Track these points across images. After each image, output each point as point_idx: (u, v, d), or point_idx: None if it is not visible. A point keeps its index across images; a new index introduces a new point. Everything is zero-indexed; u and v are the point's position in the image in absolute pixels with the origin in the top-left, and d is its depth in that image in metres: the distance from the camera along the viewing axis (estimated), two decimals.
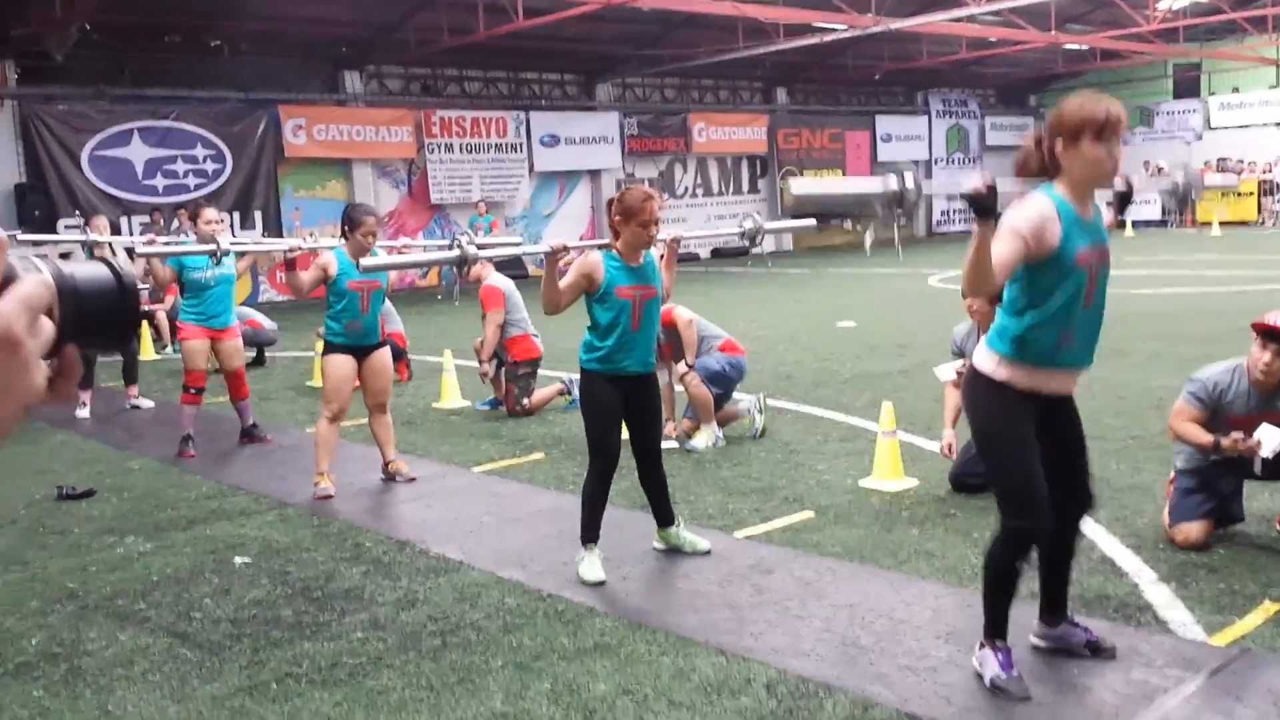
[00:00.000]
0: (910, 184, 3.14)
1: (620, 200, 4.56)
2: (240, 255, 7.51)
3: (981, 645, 3.46)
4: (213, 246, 6.54)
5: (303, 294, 6.19)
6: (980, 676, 3.43)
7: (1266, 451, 4.34)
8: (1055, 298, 3.23)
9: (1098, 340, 3.40)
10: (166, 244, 7.95)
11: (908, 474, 5.87)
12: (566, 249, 4.55)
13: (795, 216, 3.17)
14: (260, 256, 9.34)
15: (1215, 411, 4.58)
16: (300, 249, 6.08)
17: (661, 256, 4.82)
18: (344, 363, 6.13)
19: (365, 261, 4.81)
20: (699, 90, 26.57)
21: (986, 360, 3.39)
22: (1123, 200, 3.53)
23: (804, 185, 3.49)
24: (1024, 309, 3.28)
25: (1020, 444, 3.32)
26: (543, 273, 4.56)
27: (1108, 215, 3.48)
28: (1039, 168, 3.28)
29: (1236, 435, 4.42)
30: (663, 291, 4.78)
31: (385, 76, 21.55)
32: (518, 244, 5.44)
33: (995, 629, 3.43)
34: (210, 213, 7.40)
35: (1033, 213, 3.16)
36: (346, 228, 6.13)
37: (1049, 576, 3.59)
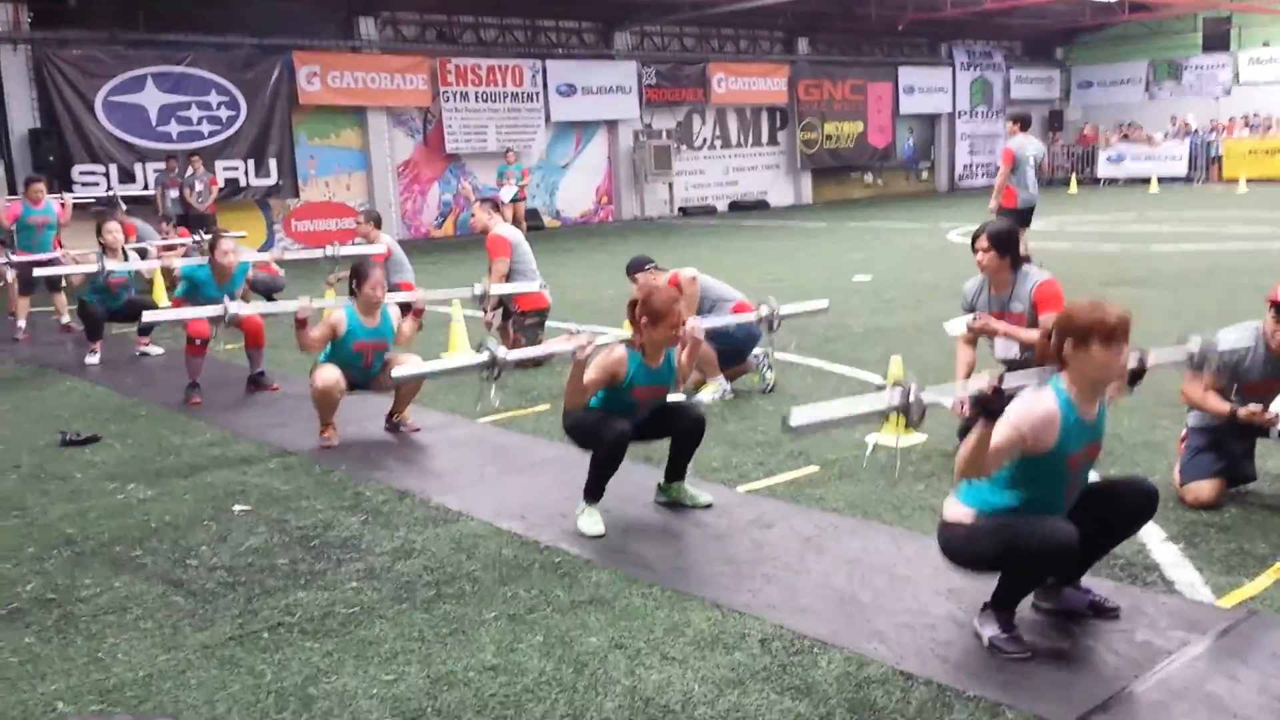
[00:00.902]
0: (914, 397, 3.11)
1: (646, 303, 4.51)
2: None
3: (985, 609, 3.40)
4: (220, 311, 6.46)
5: (311, 351, 6.20)
6: (979, 636, 3.37)
7: None
8: (1037, 487, 3.29)
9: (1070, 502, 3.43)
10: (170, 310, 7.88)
11: (916, 429, 5.77)
12: (593, 343, 4.43)
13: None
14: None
15: (1231, 377, 4.48)
16: (310, 307, 6.01)
17: (682, 347, 4.71)
18: (337, 375, 6.04)
19: (396, 373, 4.79)
20: (719, 39, 26.17)
21: (959, 513, 3.40)
22: (1135, 376, 3.50)
23: (804, 415, 3.44)
24: (1006, 488, 3.32)
25: (1003, 523, 3.30)
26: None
27: (1113, 389, 3.44)
28: (1051, 361, 3.31)
29: (1255, 407, 4.34)
30: (676, 380, 4.77)
31: (400, 23, 21.30)
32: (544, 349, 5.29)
33: (1005, 605, 3.37)
34: (227, 244, 7.46)
35: (1037, 415, 3.19)
36: (354, 283, 6.13)
37: (1083, 559, 3.49)
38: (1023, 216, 11.44)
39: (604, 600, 3.82)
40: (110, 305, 9.17)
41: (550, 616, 3.71)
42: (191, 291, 7.66)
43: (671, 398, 4.86)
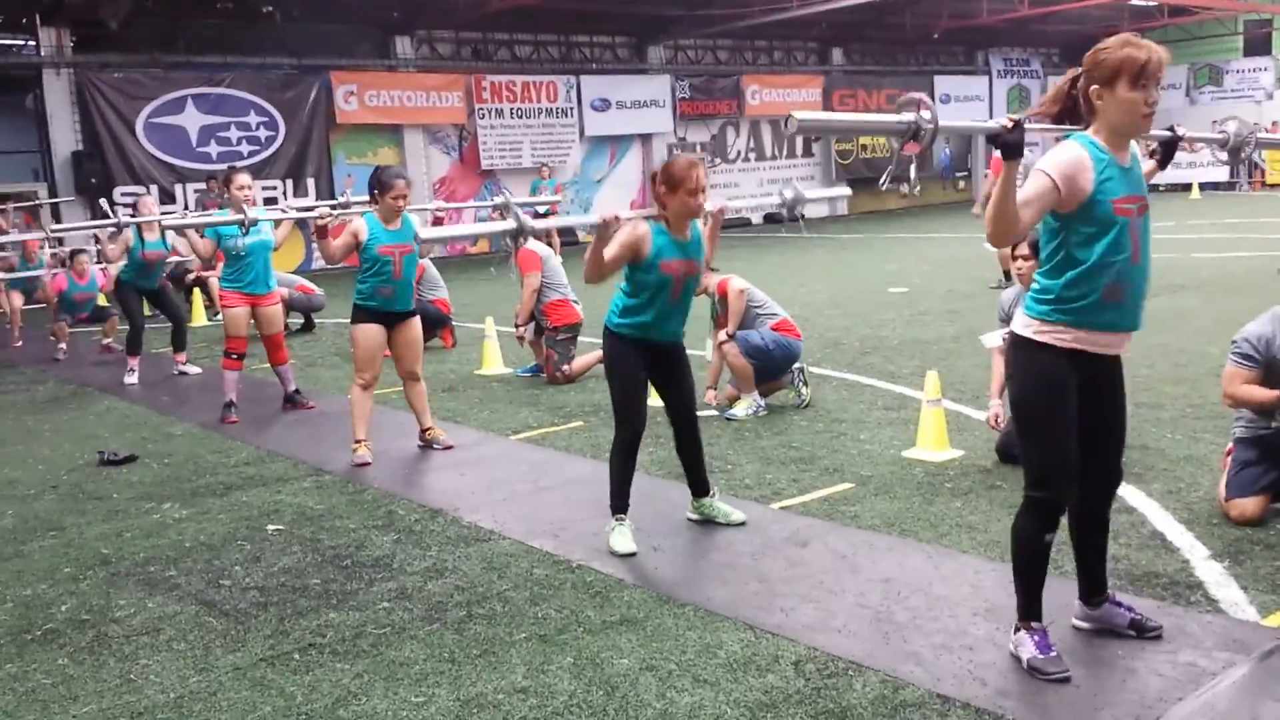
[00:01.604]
0: (928, 117, 2.97)
1: (665, 170, 4.41)
2: (276, 224, 7.48)
3: (1017, 628, 3.32)
4: (240, 216, 6.52)
5: (335, 260, 6.14)
6: (1018, 659, 3.29)
7: None
8: (1094, 251, 3.03)
9: (1144, 301, 3.18)
10: (194, 217, 7.96)
11: (953, 444, 5.71)
12: (619, 219, 4.40)
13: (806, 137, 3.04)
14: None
15: (1269, 367, 4.38)
16: (331, 216, 6.02)
17: (705, 224, 4.66)
18: (374, 331, 6.08)
19: (424, 233, 4.74)
20: (752, 51, 26.17)
21: (1026, 324, 3.21)
22: (1168, 150, 3.30)
23: (808, 116, 3.33)
24: (1062, 267, 3.08)
25: (1057, 415, 3.15)
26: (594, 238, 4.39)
27: (1148, 165, 3.28)
28: (1070, 115, 3.12)
29: None
30: (704, 262, 4.66)
31: (436, 41, 21.47)
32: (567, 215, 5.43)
33: (1029, 610, 3.29)
34: (242, 178, 7.36)
35: (1063, 157, 2.99)
36: (375, 192, 6.07)
37: (1083, 553, 3.43)
38: None
39: (635, 620, 3.78)
40: (144, 286, 9.27)
41: (581, 637, 3.67)
42: (229, 258, 7.49)
43: (708, 414, 4.79)
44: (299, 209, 8.66)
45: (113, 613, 4.11)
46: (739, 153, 25.93)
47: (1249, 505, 4.36)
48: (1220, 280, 11.34)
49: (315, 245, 19.07)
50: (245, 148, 18.84)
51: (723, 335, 6.67)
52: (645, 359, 4.51)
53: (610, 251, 4.35)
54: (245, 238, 7.21)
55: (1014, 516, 3.31)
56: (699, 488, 4.76)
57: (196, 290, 13.34)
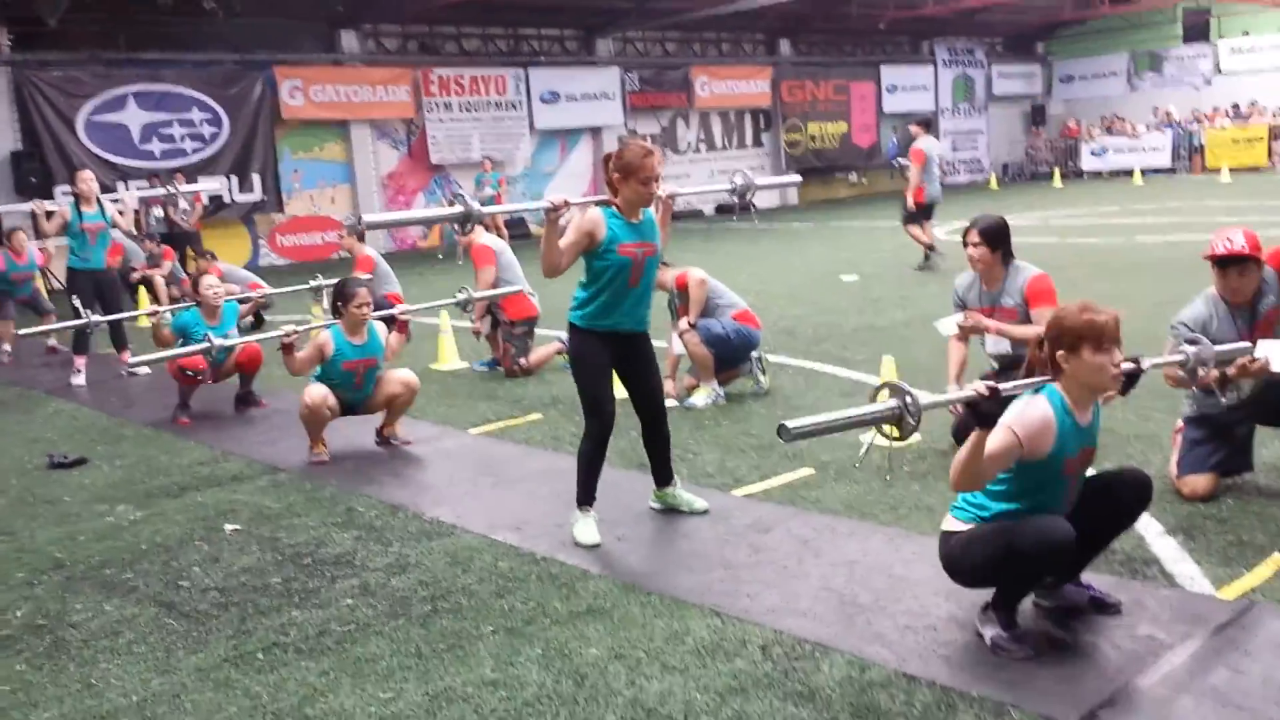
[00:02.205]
0: (910, 405, 3.00)
1: (619, 156, 4.40)
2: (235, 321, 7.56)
3: (985, 609, 3.37)
4: (205, 346, 6.51)
5: (299, 375, 6.20)
6: (981, 636, 3.34)
7: (1278, 365, 4.24)
8: (1034, 495, 3.27)
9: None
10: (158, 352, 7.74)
11: (909, 437, 5.75)
12: (567, 204, 4.38)
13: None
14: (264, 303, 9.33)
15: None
16: (295, 333, 6.05)
17: (657, 210, 4.66)
18: (325, 392, 6.03)
19: (369, 218, 4.68)
20: (701, 43, 26.20)
21: (955, 525, 3.41)
22: (1130, 380, 3.41)
23: (801, 423, 3.38)
24: (1003, 498, 3.30)
25: (1000, 527, 3.28)
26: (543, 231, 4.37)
27: (1107, 395, 3.40)
28: (1044, 371, 3.28)
29: (1240, 361, 4.30)
30: (658, 240, 4.64)
31: (382, 35, 21.26)
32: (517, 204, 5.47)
33: (1006, 604, 3.34)
34: (211, 280, 7.38)
35: (1033, 421, 3.16)
36: (339, 304, 6.11)
37: (1081, 555, 3.47)
38: (927, 211, 12.72)
39: (602, 610, 3.79)
40: (92, 266, 9.07)
41: (549, 628, 3.67)
42: (185, 341, 7.34)
43: (669, 405, 4.77)
44: (259, 302, 8.76)
45: (70, 617, 4.04)
46: (689, 144, 25.95)
47: (1200, 482, 4.45)
48: (1164, 262, 11.54)
49: (270, 242, 18.87)
50: (189, 144, 18.54)
51: (684, 324, 6.69)
52: (610, 351, 4.49)
53: (566, 239, 4.34)
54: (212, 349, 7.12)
55: (1024, 544, 3.26)
56: (663, 478, 4.77)
57: (142, 288, 13.10)
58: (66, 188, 17.02)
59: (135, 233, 10.65)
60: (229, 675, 3.48)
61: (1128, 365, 3.35)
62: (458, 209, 4.38)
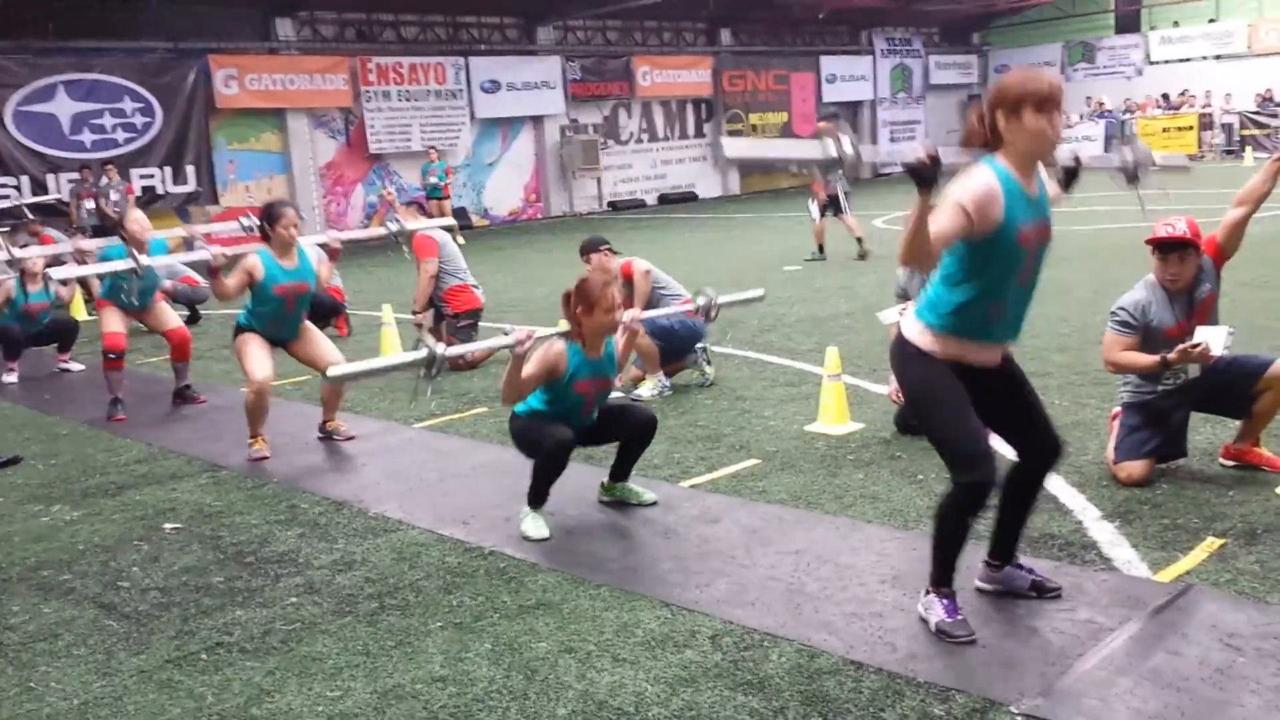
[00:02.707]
0: (849, 149, 3.01)
1: (579, 290, 4.43)
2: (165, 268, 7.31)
3: (927, 592, 3.42)
4: (131, 264, 6.32)
5: (229, 299, 6.02)
6: (925, 622, 3.39)
7: (1217, 350, 4.35)
8: (992, 274, 3.18)
9: (1025, 316, 3.35)
10: (90, 259, 7.57)
11: (853, 418, 5.83)
12: (531, 337, 4.33)
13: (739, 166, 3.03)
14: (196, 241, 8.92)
15: (1147, 333, 4.56)
16: (224, 256, 5.87)
17: (622, 334, 4.64)
18: (259, 339, 5.95)
19: (332, 373, 4.61)
20: (642, 32, 26.17)
21: (913, 329, 3.33)
22: (1070, 175, 3.42)
23: (739, 148, 3.31)
24: (959, 282, 3.21)
25: (952, 402, 3.25)
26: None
27: (1053, 189, 3.38)
28: (981, 143, 3.20)
29: (1181, 346, 4.40)
30: (615, 374, 4.69)
31: (319, 23, 20.97)
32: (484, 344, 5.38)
33: (942, 578, 3.38)
34: (137, 213, 7.16)
35: (978, 186, 3.06)
36: (266, 225, 5.94)
37: (1008, 522, 3.53)
38: (834, 203, 13.29)
39: (552, 604, 3.78)
40: (30, 330, 8.91)
41: (498, 623, 3.66)
42: (113, 285, 7.26)
43: (615, 396, 4.80)
44: (191, 235, 8.45)
45: (6, 620, 3.95)
46: (631, 134, 25.94)
47: (1136, 468, 4.55)
48: (1101, 251, 11.75)
49: (207, 237, 18.57)
50: (121, 134, 18.17)
51: (631, 314, 6.66)
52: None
53: (528, 370, 4.35)
54: (137, 281, 6.99)
55: (942, 498, 3.34)
56: (621, 474, 4.77)
57: (78, 285, 12.81)
58: (2, 179, 16.67)
59: (65, 284, 10.21)
60: (172, 676, 3.43)
61: (1068, 161, 3.35)
62: (423, 353, 4.24)
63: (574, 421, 4.51)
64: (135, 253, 6.52)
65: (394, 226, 6.85)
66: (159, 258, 6.97)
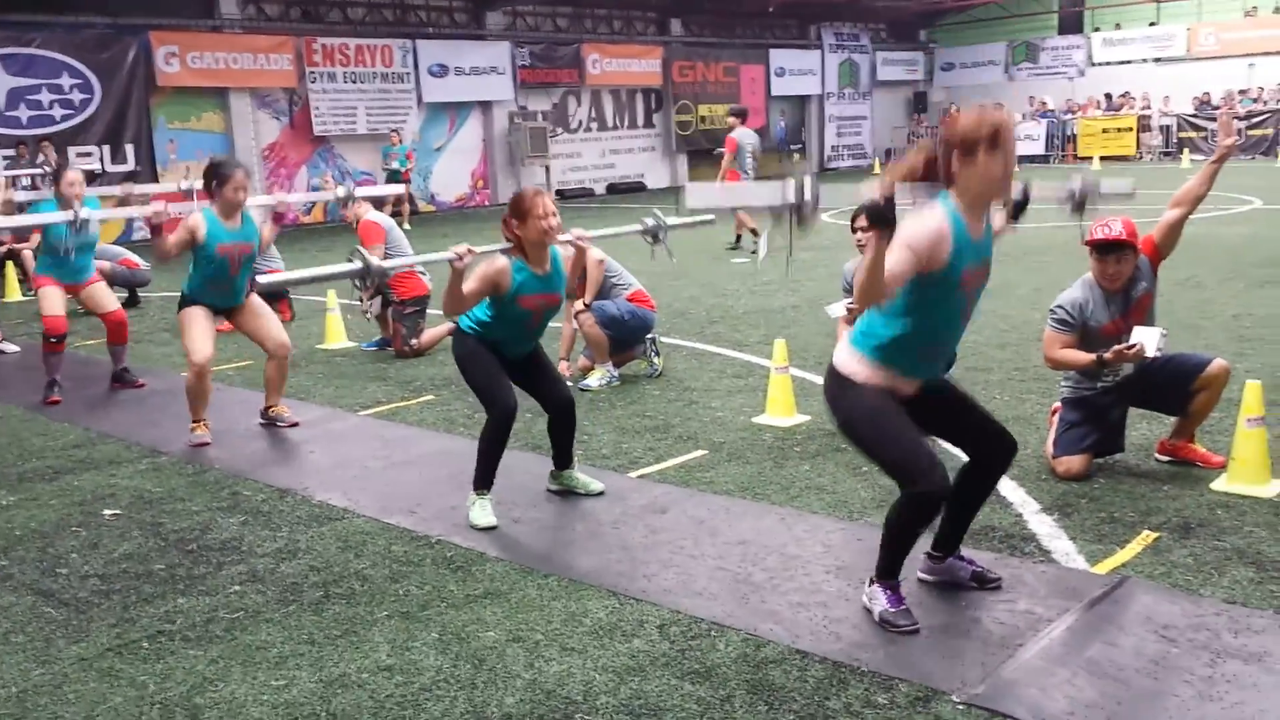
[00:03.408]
0: (808, 195, 3.04)
1: (513, 204, 4.40)
2: (102, 221, 7.10)
3: (871, 582, 3.47)
4: (70, 215, 6.15)
5: (169, 258, 5.83)
6: (869, 612, 3.44)
7: (1151, 351, 4.45)
8: (929, 312, 3.24)
9: (957, 349, 3.41)
10: (22, 211, 7.43)
11: (800, 410, 5.88)
12: (471, 253, 4.31)
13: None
14: (134, 199, 8.65)
15: (1084, 331, 4.66)
16: (166, 213, 5.73)
17: (567, 259, 4.65)
18: (204, 313, 5.83)
19: (262, 280, 4.52)
20: (592, 20, 26.08)
21: (848, 359, 3.39)
22: (1019, 207, 3.47)
23: (700, 196, 3.38)
24: (896, 315, 3.26)
25: (892, 422, 3.30)
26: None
27: (999, 220, 3.43)
28: (928, 177, 3.23)
29: (1117, 346, 4.50)
30: (564, 291, 4.66)
31: (263, 1, 20.62)
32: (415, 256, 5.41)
33: (889, 571, 3.43)
34: (72, 174, 6.94)
35: (929, 229, 3.11)
36: (213, 184, 5.75)
37: (956, 518, 3.57)
38: None
39: (499, 593, 3.78)
40: None
41: (445, 612, 3.65)
42: (49, 249, 7.07)
43: (545, 367, 4.72)
44: (127, 194, 8.21)
45: None
46: (580, 122, 25.84)
47: (1074, 463, 4.65)
48: (1040, 250, 11.95)
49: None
50: (58, 111, 17.74)
51: (579, 305, 6.68)
52: (501, 358, 4.50)
53: (469, 286, 4.31)
54: (71, 241, 6.85)
55: (894, 504, 3.36)
56: (563, 461, 4.77)
57: (9, 264, 12.54)
58: None
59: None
60: (113, 665, 3.38)
61: (1017, 192, 3.38)
62: (356, 264, 4.24)
63: (518, 339, 4.49)
64: (75, 206, 6.35)
65: (343, 192, 6.81)
66: (95, 210, 6.82)
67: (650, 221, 5.18)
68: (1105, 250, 4.58)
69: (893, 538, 3.39)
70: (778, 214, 3.09)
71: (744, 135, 13.82)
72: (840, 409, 3.43)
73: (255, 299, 6.07)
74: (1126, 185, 3.98)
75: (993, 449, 3.49)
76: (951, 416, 3.50)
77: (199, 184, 6.69)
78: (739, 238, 13.35)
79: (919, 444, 3.29)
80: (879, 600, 3.42)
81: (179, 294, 5.91)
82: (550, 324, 4.75)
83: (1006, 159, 3.14)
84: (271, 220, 6.20)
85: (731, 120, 14.17)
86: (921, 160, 3.26)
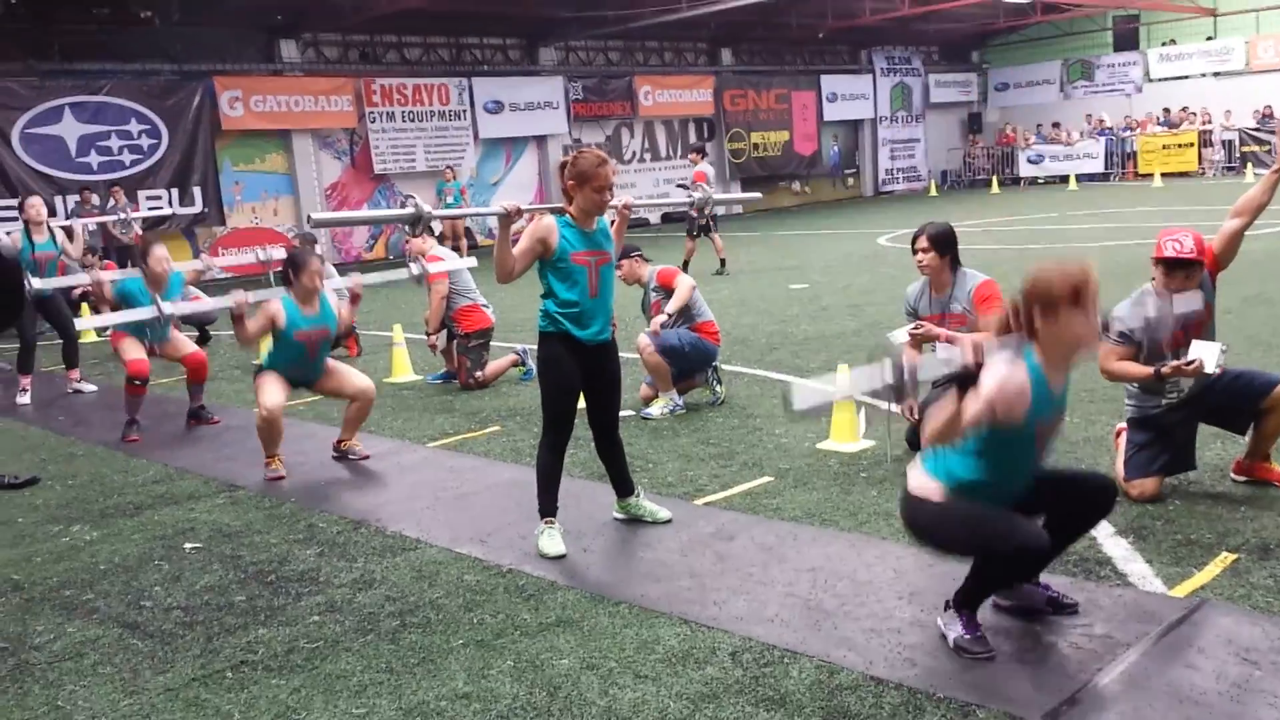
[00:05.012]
0: (907, 374, 3.11)
1: (574, 164, 4.43)
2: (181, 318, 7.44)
3: (947, 607, 3.46)
4: (154, 312, 6.44)
5: (250, 345, 6.12)
6: (944, 638, 3.42)
7: (1211, 367, 4.39)
8: (1003, 459, 3.28)
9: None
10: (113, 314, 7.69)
11: (865, 435, 5.87)
12: (520, 211, 4.42)
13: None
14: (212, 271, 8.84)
15: (1141, 344, 4.60)
16: (247, 301, 5.97)
17: (613, 223, 4.73)
18: (280, 381, 6.02)
19: (317, 216, 4.66)
20: (643, 52, 26.33)
21: (925, 485, 3.41)
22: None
23: (806, 396, 3.47)
24: (969, 455, 3.31)
25: (971, 512, 3.31)
26: (494, 241, 4.42)
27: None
28: (1012, 330, 3.25)
29: (1175, 361, 4.44)
30: (614, 253, 4.70)
31: (322, 44, 21.11)
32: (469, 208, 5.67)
33: (968, 603, 3.41)
34: (160, 250, 7.22)
35: (1010, 390, 3.09)
36: (290, 273, 6.02)
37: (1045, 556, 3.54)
38: (705, 228, 14.43)
39: (572, 621, 3.82)
40: (38, 290, 8.85)
41: (519, 640, 3.70)
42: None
43: (624, 414, 4.80)
44: (208, 266, 8.46)
45: (31, 639, 3.99)
46: (634, 153, 26.06)
47: (1148, 485, 4.59)
48: (1104, 270, 11.79)
49: (213, 252, 18.61)
50: (127, 156, 18.27)
51: (658, 321, 6.73)
52: (578, 362, 4.53)
53: (519, 245, 4.39)
54: (159, 328, 7.09)
55: (994, 556, 3.33)
56: (623, 488, 4.81)
57: (84, 305, 12.89)
58: (2, 202, 16.77)
59: (79, 257, 10.31)
60: (198, 694, 3.47)
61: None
62: (408, 210, 4.43)
63: (588, 309, 4.48)
64: (158, 298, 6.61)
65: (416, 270, 7.01)
66: (181, 304, 7.07)
67: (699, 194, 5.31)
68: (1174, 266, 4.52)
69: (983, 577, 3.37)
70: (880, 396, 3.21)
71: (707, 168, 15.47)
72: (921, 523, 3.44)
73: (330, 363, 6.24)
74: (1197, 300, 4.08)
75: (1094, 501, 3.48)
76: (1039, 492, 3.45)
77: (275, 254, 6.95)
78: (686, 263, 13.58)
79: (1005, 517, 3.28)
80: (954, 626, 3.41)
81: (257, 367, 6.14)
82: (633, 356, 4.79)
83: (1092, 315, 3.12)
84: (350, 301, 6.39)
85: (694, 156, 15.94)
86: (1002, 322, 3.28)
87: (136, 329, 7.26)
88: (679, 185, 15.18)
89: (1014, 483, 3.37)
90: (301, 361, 6.06)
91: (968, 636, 3.37)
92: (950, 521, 3.35)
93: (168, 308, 6.52)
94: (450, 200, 19.69)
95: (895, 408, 5.33)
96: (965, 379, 3.07)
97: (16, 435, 7.64)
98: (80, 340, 9.72)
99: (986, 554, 3.30)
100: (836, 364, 6.20)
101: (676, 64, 26.99)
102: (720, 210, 26.59)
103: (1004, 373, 3.11)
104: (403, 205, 4.48)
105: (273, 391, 5.94)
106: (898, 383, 3.12)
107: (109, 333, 7.85)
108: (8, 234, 8.84)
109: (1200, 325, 4.60)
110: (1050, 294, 3.11)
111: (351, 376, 6.23)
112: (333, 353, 6.56)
